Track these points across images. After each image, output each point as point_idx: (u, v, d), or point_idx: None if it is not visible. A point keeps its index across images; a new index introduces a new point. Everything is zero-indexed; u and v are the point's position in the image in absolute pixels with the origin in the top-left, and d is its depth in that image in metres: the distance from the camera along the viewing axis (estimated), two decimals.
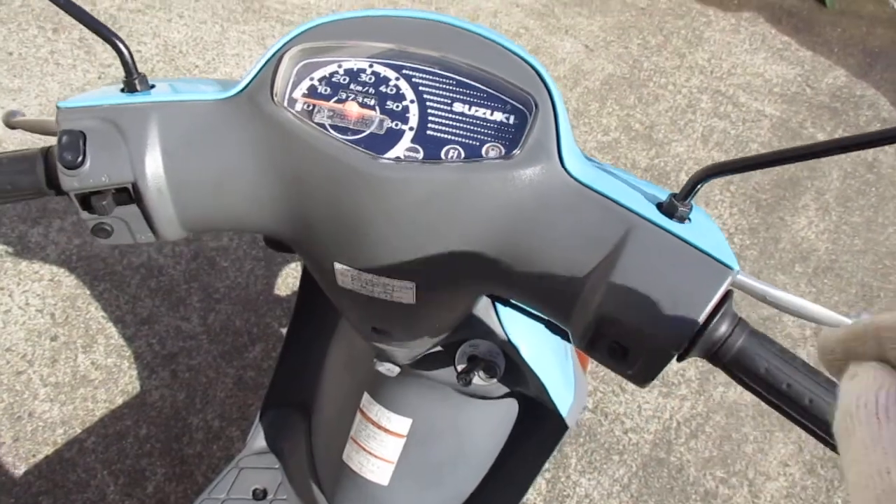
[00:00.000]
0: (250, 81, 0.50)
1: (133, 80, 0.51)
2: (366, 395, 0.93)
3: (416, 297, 0.52)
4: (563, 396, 0.74)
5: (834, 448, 0.44)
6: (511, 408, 0.98)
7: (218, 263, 1.66)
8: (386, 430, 0.94)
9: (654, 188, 0.49)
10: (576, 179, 0.46)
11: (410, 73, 0.49)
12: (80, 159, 0.48)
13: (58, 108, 0.50)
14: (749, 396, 1.63)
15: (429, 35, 0.50)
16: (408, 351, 0.67)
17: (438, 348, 0.71)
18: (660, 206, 0.46)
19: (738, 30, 2.48)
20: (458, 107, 0.48)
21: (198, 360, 1.51)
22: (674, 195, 0.45)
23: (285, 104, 0.49)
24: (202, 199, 0.51)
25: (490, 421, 0.98)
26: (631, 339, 0.44)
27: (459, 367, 0.70)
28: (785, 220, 1.97)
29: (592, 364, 1.63)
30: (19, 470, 1.34)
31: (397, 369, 0.76)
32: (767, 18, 2.55)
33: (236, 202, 0.51)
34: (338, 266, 0.52)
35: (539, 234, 0.46)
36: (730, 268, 0.43)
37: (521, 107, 0.48)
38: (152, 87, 0.52)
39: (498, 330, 0.65)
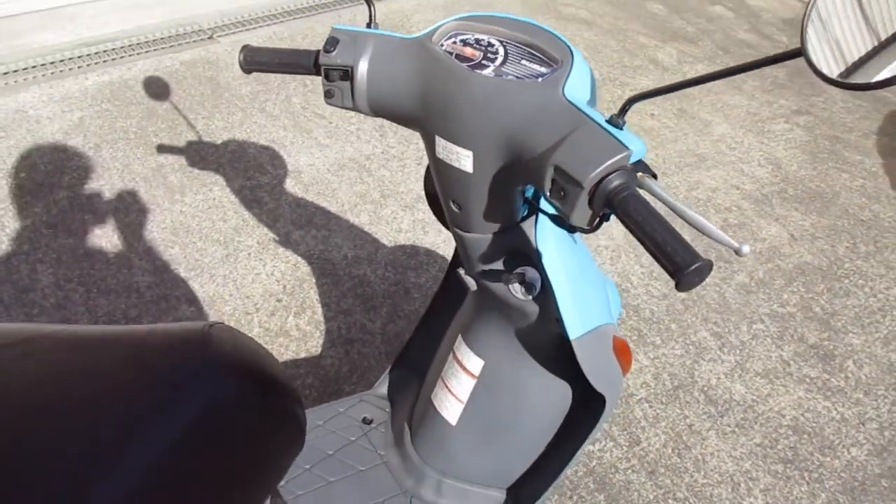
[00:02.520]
0: (423, 35, 0.90)
1: (370, 23, 0.95)
2: (459, 337, 1.23)
3: (473, 166, 0.86)
4: (573, 321, 0.98)
5: (667, 271, 0.68)
6: (565, 396, 1.21)
7: (411, 293, 2.07)
8: (464, 369, 1.22)
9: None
10: (567, 100, 0.78)
11: (508, 44, 0.87)
12: (332, 49, 0.92)
13: (333, 28, 0.95)
14: None
15: (525, 29, 0.87)
16: (475, 241, 0.98)
17: (500, 266, 1.02)
18: (607, 120, 0.76)
19: None
20: (524, 62, 0.84)
21: (368, 350, 1.89)
22: (613, 115, 0.76)
23: (437, 45, 0.88)
24: (382, 89, 0.91)
25: (545, 397, 1.21)
26: (566, 181, 0.73)
27: (512, 280, 0.99)
28: None
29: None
30: None
31: (474, 284, 1.08)
32: None
33: (397, 94, 0.90)
34: (437, 139, 0.88)
35: (536, 122, 0.78)
36: (627, 148, 0.71)
37: (553, 66, 0.83)
38: (377, 28, 0.95)
39: (532, 241, 0.95)
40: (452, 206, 0.95)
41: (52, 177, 2.33)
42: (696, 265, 0.64)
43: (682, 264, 0.65)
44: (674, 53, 3.52)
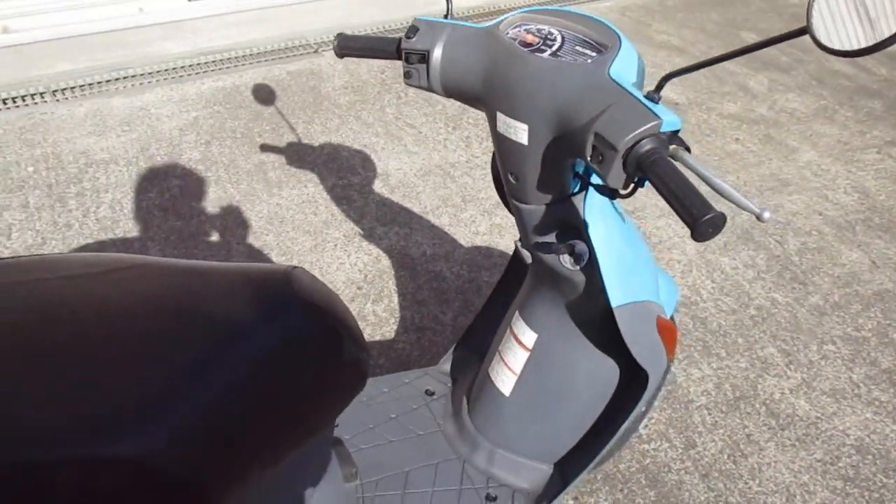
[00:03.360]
0: (492, 24, 1.02)
1: (447, 15, 1.08)
2: (516, 313, 1.33)
3: (528, 138, 0.97)
4: (615, 290, 1.07)
5: (685, 221, 0.76)
6: (612, 373, 1.28)
7: (483, 290, 2.17)
8: (519, 342, 1.31)
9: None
10: (611, 78, 0.88)
11: (566, 32, 0.98)
12: (412, 36, 1.05)
13: (415, 18, 1.08)
14: None
15: (581, 20, 0.98)
16: (530, 212, 1.08)
17: (552, 239, 1.12)
18: (645, 95, 0.85)
19: None
20: (577, 48, 0.95)
21: (438, 339, 2.01)
22: (650, 91, 0.85)
23: (503, 33, 1.00)
24: (453, 70, 1.04)
25: (593, 372, 1.29)
26: (604, 146, 0.83)
27: (561, 250, 1.09)
28: None
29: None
30: None
31: (529, 256, 1.18)
32: None
33: (466, 75, 1.03)
34: (498, 115, 0.99)
35: (582, 97, 0.89)
36: (658, 118, 0.80)
37: (602, 50, 0.93)
38: (453, 19, 1.08)
39: (581, 213, 1.04)
40: (511, 178, 1.06)
41: (166, 166, 2.57)
42: (709, 215, 0.73)
43: (697, 215, 0.74)
44: (765, 82, 3.52)
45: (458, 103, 3.04)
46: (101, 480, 0.76)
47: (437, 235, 2.38)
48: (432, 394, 1.55)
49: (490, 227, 2.43)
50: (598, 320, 1.21)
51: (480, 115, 3.01)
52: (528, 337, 1.30)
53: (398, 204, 2.50)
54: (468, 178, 2.66)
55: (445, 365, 1.62)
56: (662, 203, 2.62)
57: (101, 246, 2.22)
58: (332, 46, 1.21)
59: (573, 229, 1.10)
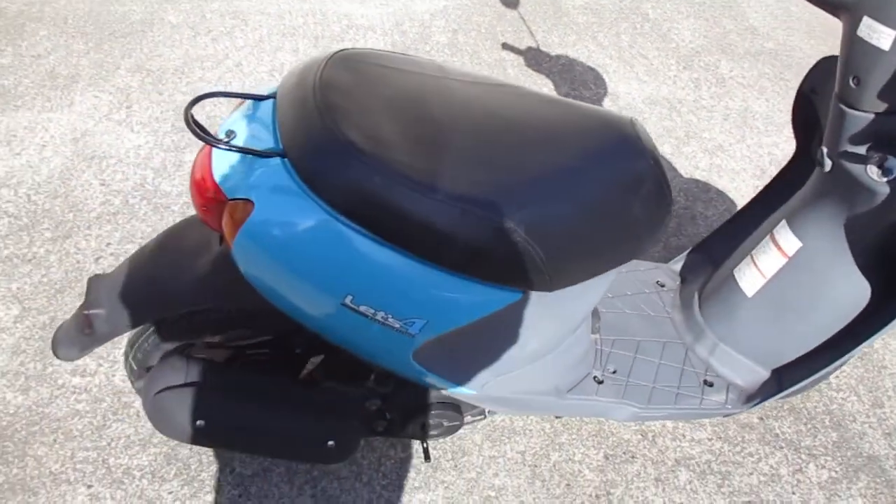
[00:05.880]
0: None
1: None
2: (782, 221, 1.41)
3: (892, 45, 1.04)
4: None
5: None
6: (863, 295, 1.34)
7: (696, 220, 2.25)
8: (777, 246, 1.40)
9: None
10: None
11: None
12: None
13: None
14: None
15: None
16: (856, 118, 1.15)
17: (863, 151, 1.19)
18: None
19: None
20: None
21: (647, 252, 2.12)
22: None
23: None
24: None
25: (846, 291, 1.35)
26: None
27: (872, 159, 1.16)
28: None
29: None
30: None
31: (829, 164, 1.25)
32: None
33: None
34: (865, 18, 1.07)
35: None
36: None
37: None
38: None
39: None
40: (851, 82, 1.14)
41: (416, 44, 2.77)
42: None
43: None
44: None
45: (694, 43, 3.06)
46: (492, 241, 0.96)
47: None
48: (662, 285, 1.68)
49: (710, 166, 2.49)
50: (873, 238, 1.27)
51: (712, 60, 3.02)
52: (791, 244, 1.38)
53: None
54: (693, 117, 2.71)
55: (676, 265, 1.74)
56: None
57: None
58: None
59: (889, 145, 1.16)
